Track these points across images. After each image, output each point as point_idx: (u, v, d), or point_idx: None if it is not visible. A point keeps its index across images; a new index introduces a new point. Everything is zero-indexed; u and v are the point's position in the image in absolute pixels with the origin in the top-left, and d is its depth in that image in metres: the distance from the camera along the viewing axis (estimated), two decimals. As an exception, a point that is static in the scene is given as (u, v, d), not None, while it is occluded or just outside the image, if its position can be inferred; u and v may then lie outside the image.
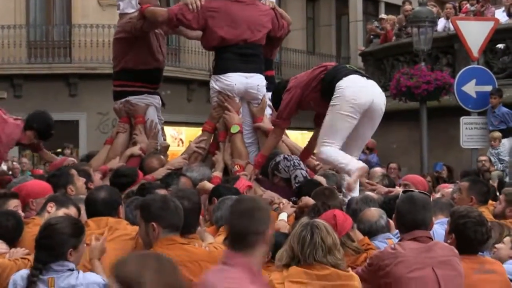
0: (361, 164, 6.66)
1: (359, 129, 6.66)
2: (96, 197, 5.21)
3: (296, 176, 6.95)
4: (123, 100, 8.28)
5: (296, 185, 6.82)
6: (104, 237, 4.69)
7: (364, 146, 6.71)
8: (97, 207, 5.12)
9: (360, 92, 6.53)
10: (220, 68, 7.78)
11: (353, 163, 6.58)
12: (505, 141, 13.49)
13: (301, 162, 7.15)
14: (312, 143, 7.36)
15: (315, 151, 7.13)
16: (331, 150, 6.58)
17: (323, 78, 6.69)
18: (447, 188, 7.47)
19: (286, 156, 7.18)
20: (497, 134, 13.42)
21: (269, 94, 8.00)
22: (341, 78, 6.54)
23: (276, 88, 7.50)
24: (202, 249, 4.59)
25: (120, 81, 8.33)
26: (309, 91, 6.79)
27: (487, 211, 6.20)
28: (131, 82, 8.24)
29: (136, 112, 8.23)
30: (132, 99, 8.25)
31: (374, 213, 5.42)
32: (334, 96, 6.50)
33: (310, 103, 6.95)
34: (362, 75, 6.78)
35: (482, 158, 10.62)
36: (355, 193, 6.41)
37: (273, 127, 7.30)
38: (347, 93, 6.47)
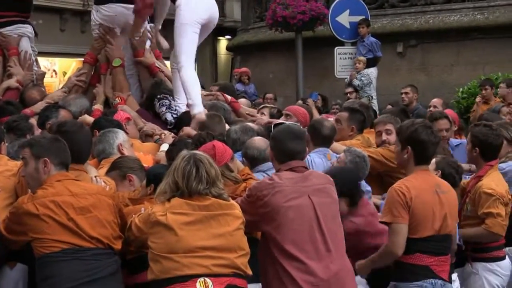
0: (201, 114, 6.66)
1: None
2: None
3: (166, 118, 7.01)
4: None
5: (170, 128, 6.86)
6: None
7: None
8: None
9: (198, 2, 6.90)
10: None
11: (197, 108, 6.72)
12: (372, 70, 13.85)
13: (173, 102, 7.21)
14: None
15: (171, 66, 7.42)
16: (190, 77, 6.90)
17: None
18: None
19: (160, 96, 7.24)
20: (361, 58, 13.79)
21: (148, 26, 7.96)
22: None
23: None
24: (96, 185, 4.64)
25: None
26: None
27: (362, 139, 6.45)
28: (1, 12, 8.00)
29: (9, 44, 8.01)
30: (4, 30, 8.02)
31: (262, 142, 5.47)
32: (176, 10, 6.90)
33: None
34: None
35: (405, 89, 10.72)
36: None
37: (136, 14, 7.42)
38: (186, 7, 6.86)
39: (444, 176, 5.27)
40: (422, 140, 4.76)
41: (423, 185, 4.72)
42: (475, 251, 5.49)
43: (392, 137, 6.21)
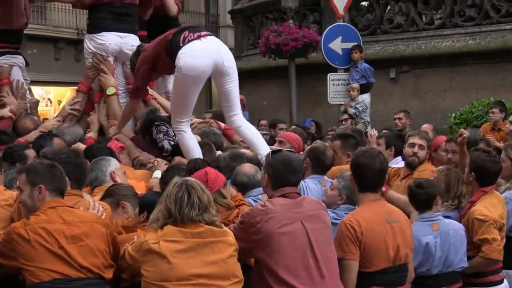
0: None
1: (221, 88, 6.54)
2: None
3: (163, 145, 6.97)
4: None
5: (166, 156, 6.82)
6: None
7: (238, 100, 6.68)
8: None
9: (197, 60, 6.21)
10: (94, 27, 7.73)
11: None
12: (365, 95, 13.86)
13: (170, 129, 7.08)
14: None
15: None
16: (185, 138, 6.49)
17: (169, 46, 6.38)
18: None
19: (158, 123, 7.15)
20: (355, 85, 13.79)
21: None
22: (180, 48, 6.24)
23: (133, 54, 7.04)
24: (90, 212, 4.60)
25: None
26: (159, 62, 6.54)
27: None
28: None
29: (1, 74, 8.07)
30: None
31: (251, 169, 5.52)
32: (175, 71, 6.31)
33: (164, 71, 6.97)
34: (199, 37, 6.32)
35: (398, 115, 10.71)
36: None
37: (129, 98, 7.20)
38: (185, 65, 6.18)
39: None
40: (362, 165, 4.80)
41: (374, 216, 4.69)
42: (472, 276, 5.42)
43: (422, 154, 6.44)
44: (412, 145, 6.50)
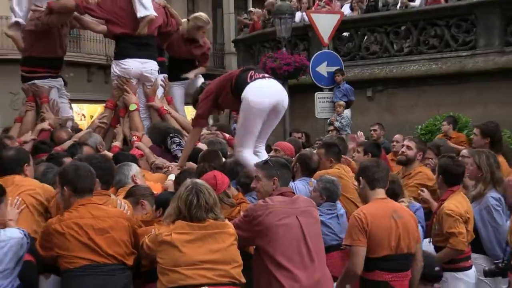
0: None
1: (267, 122, 6.11)
2: (4, 155, 5.10)
3: (176, 154, 6.92)
4: (30, 82, 8.11)
5: (176, 161, 6.70)
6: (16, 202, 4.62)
7: (269, 132, 6.51)
8: (4, 164, 5.00)
9: (263, 96, 5.86)
10: (120, 54, 7.75)
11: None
12: (347, 111, 13.82)
13: (182, 140, 7.03)
14: None
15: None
16: (247, 159, 6.02)
17: (235, 81, 6.02)
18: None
19: (172, 135, 7.11)
20: (341, 102, 13.75)
21: (161, 76, 8.07)
22: (247, 84, 5.90)
23: (196, 91, 6.85)
24: (115, 208, 4.57)
25: (27, 67, 8.13)
26: (223, 95, 6.16)
27: (340, 168, 6.37)
28: (36, 68, 8.06)
29: (41, 93, 8.08)
30: (38, 82, 8.09)
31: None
32: (242, 103, 5.89)
33: (225, 105, 6.55)
34: (264, 77, 6.01)
35: (374, 127, 10.76)
36: None
37: (192, 127, 6.80)
38: (253, 99, 5.82)
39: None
40: (367, 167, 4.76)
41: (379, 211, 4.63)
42: (445, 263, 5.34)
43: (410, 153, 6.50)
44: (402, 145, 6.81)
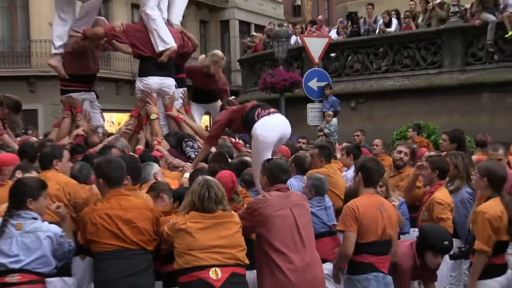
0: None
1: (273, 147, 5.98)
2: (43, 151, 5.13)
3: (189, 156, 6.92)
4: (67, 95, 8.13)
5: (191, 161, 6.70)
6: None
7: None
8: (41, 160, 5.03)
9: (269, 131, 5.73)
10: (143, 72, 7.73)
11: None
12: (334, 120, 13.84)
13: (195, 144, 7.01)
14: None
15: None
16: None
17: (244, 116, 5.90)
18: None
19: (187, 139, 7.12)
20: (330, 112, 13.80)
21: (179, 90, 8.08)
22: (255, 121, 5.75)
23: (220, 107, 6.87)
24: (139, 200, 4.53)
25: (65, 82, 8.14)
26: (235, 124, 6.10)
27: (329, 167, 6.31)
28: (72, 83, 8.08)
29: (76, 104, 8.09)
30: (73, 95, 8.11)
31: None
32: (252, 138, 5.78)
33: (237, 131, 6.75)
34: (269, 113, 5.84)
35: (357, 133, 10.77)
36: None
37: (204, 143, 6.67)
38: (261, 135, 5.68)
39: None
40: (369, 168, 4.70)
41: (369, 203, 4.62)
42: None
43: (406, 159, 6.54)
44: (400, 152, 6.65)
